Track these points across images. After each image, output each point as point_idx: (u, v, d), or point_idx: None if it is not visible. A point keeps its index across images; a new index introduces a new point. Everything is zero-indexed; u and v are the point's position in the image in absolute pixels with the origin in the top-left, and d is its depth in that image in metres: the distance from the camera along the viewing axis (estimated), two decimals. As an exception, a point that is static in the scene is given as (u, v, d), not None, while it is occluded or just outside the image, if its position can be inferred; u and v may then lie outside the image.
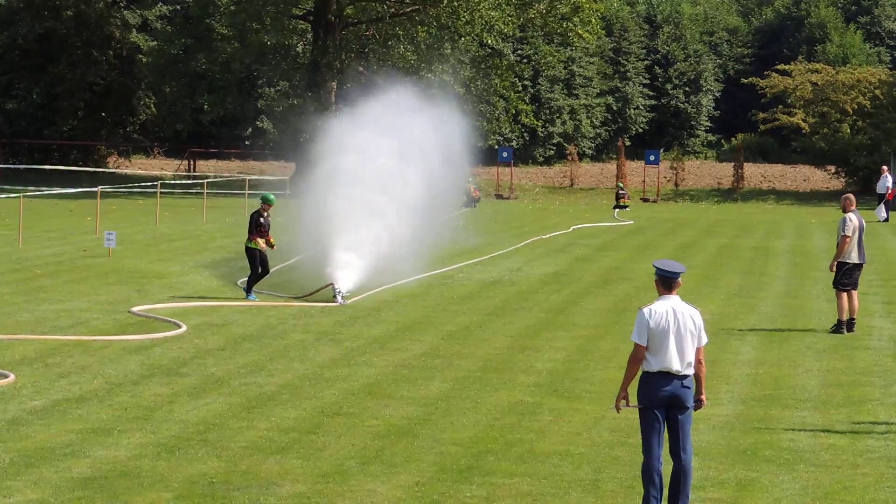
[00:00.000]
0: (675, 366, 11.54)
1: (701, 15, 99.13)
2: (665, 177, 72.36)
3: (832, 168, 72.69)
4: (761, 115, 72.20)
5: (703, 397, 11.90)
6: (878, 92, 69.75)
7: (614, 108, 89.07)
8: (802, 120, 70.58)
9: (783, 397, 17.40)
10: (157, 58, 70.19)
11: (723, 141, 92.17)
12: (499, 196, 67.65)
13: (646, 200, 67.27)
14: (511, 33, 69.13)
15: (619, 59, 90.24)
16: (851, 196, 23.71)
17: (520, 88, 75.14)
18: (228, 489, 12.62)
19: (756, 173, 78.36)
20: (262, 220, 26.37)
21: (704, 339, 11.76)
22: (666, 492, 11.71)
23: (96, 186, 46.53)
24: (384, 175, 28.08)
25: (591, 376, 18.67)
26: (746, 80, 76.73)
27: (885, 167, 58.40)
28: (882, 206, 53.17)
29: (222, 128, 78.46)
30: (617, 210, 58.99)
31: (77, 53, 71.82)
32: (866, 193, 62.26)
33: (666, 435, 11.69)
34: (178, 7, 77.30)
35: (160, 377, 18.00)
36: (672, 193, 70.28)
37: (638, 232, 46.07)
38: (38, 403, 16.12)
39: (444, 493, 12.63)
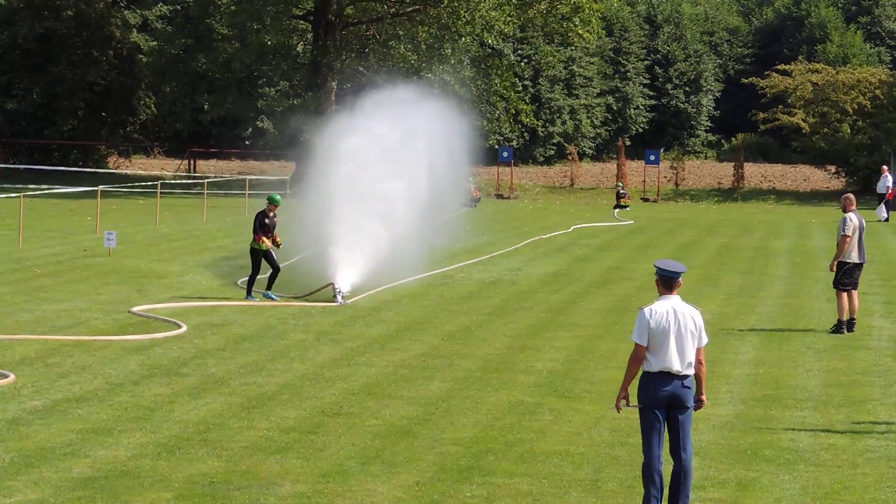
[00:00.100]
0: (676, 366, 11.53)
1: (701, 15, 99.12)
2: (665, 177, 72.36)
3: (832, 168, 72.70)
4: (761, 114, 72.20)
5: (704, 397, 11.90)
6: (878, 92, 69.75)
7: (614, 107, 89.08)
8: (802, 120, 70.58)
9: (783, 397, 17.40)
10: (157, 58, 70.19)
11: (723, 141, 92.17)
12: (499, 196, 67.65)
13: (646, 200, 67.27)
14: (511, 33, 69.12)
15: (620, 59, 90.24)
16: (851, 196, 23.71)
17: (520, 88, 75.16)
18: (228, 489, 12.62)
19: (756, 173, 78.37)
20: (267, 220, 26.36)
21: (705, 340, 11.76)
22: (666, 492, 11.71)
23: (96, 186, 46.52)
24: (384, 175, 28.06)
25: (592, 376, 18.67)
26: (747, 80, 76.74)
27: (885, 167, 58.41)
28: (882, 206, 53.18)
29: (222, 128, 78.45)
30: (617, 210, 58.99)
31: (77, 53, 71.81)
32: (866, 193, 62.26)
33: (666, 435, 11.69)
34: (178, 7, 77.29)
35: (160, 377, 18.00)
36: (672, 193, 70.28)
37: (638, 232, 46.07)
38: (39, 403, 16.12)
39: (444, 493, 12.63)
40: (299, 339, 21.54)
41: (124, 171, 73.80)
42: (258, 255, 26.40)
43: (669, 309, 11.60)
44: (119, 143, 77.54)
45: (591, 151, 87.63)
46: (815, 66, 74.12)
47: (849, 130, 69.46)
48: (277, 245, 26.53)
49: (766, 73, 75.16)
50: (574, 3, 62.84)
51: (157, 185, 50.68)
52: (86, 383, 17.40)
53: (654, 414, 11.55)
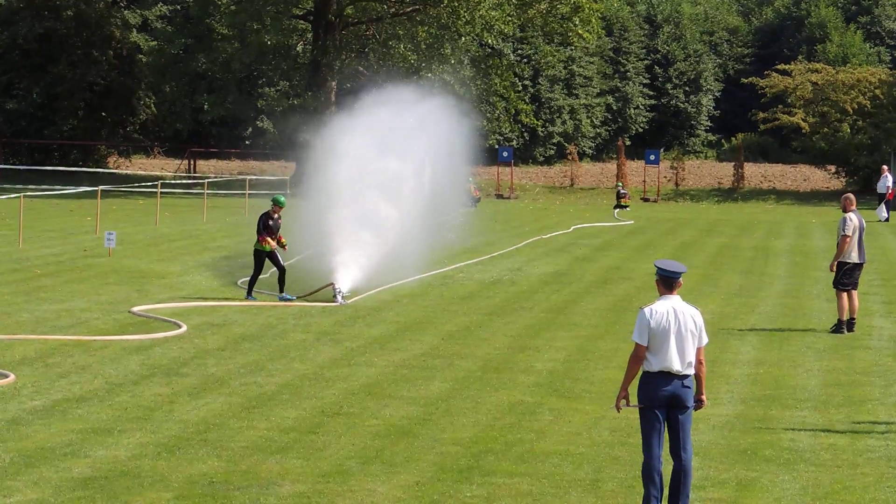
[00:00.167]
0: (676, 366, 11.53)
1: (701, 15, 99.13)
2: (665, 176, 72.36)
3: (832, 168, 72.71)
4: (761, 114, 72.21)
5: (704, 397, 11.90)
6: (878, 92, 69.76)
7: (614, 107, 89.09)
8: (802, 120, 70.59)
9: (783, 397, 17.40)
10: (157, 58, 70.19)
11: (723, 141, 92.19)
12: (499, 196, 67.65)
13: (646, 200, 67.27)
14: (511, 33, 69.12)
15: (620, 58, 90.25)
16: (851, 196, 23.71)
17: (520, 88, 75.16)
18: (228, 489, 12.62)
19: (756, 173, 78.38)
20: (270, 222, 26.25)
21: (705, 339, 11.76)
22: (666, 491, 11.71)
23: (96, 186, 46.52)
24: (385, 174, 28.06)
25: (592, 376, 18.67)
26: (746, 80, 76.75)
27: (885, 167, 58.40)
28: (883, 206, 53.18)
29: (222, 128, 78.46)
30: (617, 210, 58.98)
31: (77, 53, 71.80)
32: (866, 193, 62.26)
33: (666, 435, 11.69)
34: (178, 7, 77.28)
35: (160, 377, 18.00)
36: (672, 193, 70.28)
37: (638, 232, 46.07)
38: (39, 403, 16.12)
39: (444, 493, 12.63)
40: (299, 339, 21.54)
41: (124, 171, 73.78)
42: (261, 257, 26.33)
43: (670, 309, 11.60)
44: (119, 143, 77.54)
45: (591, 151, 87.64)
46: (815, 66, 74.13)
47: (849, 130, 69.47)
48: (283, 246, 26.49)
49: (766, 72, 75.18)
50: (574, 2, 62.84)
51: (157, 185, 50.67)
52: (86, 383, 17.41)
53: (655, 414, 11.55)
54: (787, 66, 73.94)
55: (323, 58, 63.48)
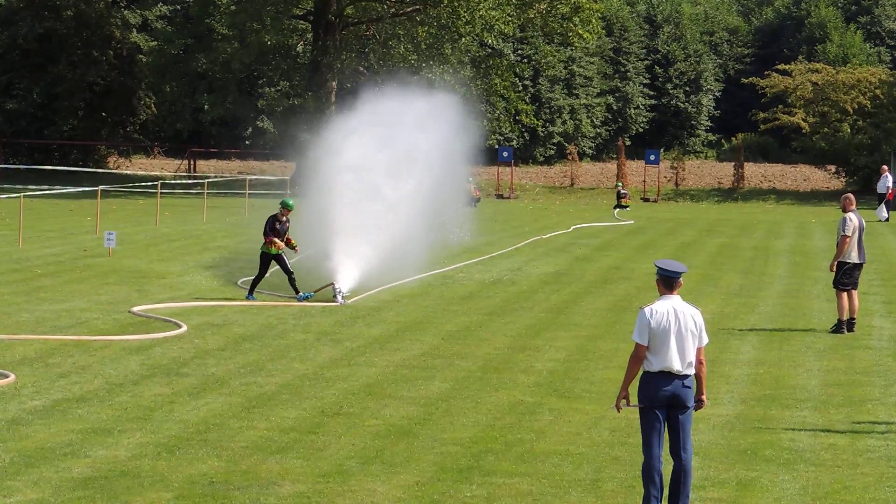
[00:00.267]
0: (676, 366, 11.53)
1: (701, 15, 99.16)
2: (665, 176, 72.36)
3: (832, 168, 72.70)
4: (761, 114, 72.20)
5: (704, 397, 11.89)
6: (878, 91, 69.75)
7: (614, 107, 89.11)
8: (803, 120, 70.58)
9: (783, 397, 17.40)
10: (157, 58, 70.19)
11: (723, 141, 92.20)
12: (499, 196, 67.65)
13: (646, 200, 67.27)
14: (511, 33, 69.11)
15: (620, 58, 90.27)
16: (851, 196, 23.70)
17: (520, 88, 75.16)
18: (228, 489, 12.62)
19: (756, 173, 78.38)
20: (278, 225, 26.12)
21: (705, 339, 11.76)
22: (666, 491, 11.71)
23: (96, 186, 46.52)
24: (385, 174, 28.06)
25: (592, 376, 18.67)
26: (747, 80, 76.74)
27: (885, 167, 58.38)
28: (883, 206, 53.16)
29: (222, 128, 78.47)
30: (617, 210, 58.98)
31: (77, 53, 71.83)
32: (866, 193, 62.25)
33: (666, 435, 11.69)
34: (178, 7, 77.30)
35: (160, 377, 18.00)
36: (672, 193, 70.28)
37: (638, 232, 46.07)
38: (39, 403, 16.12)
39: (445, 493, 12.63)
40: (299, 339, 21.54)
41: (124, 171, 73.79)
42: (267, 259, 26.17)
43: (670, 309, 11.60)
44: (119, 143, 77.56)
45: (591, 151, 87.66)
46: (815, 66, 74.11)
47: (849, 130, 69.45)
48: (293, 247, 26.36)
49: (766, 72, 75.17)
50: (574, 2, 62.84)
51: (157, 185, 50.67)
52: (86, 383, 17.41)
53: (655, 414, 11.55)
54: (787, 66, 73.93)
55: (323, 58, 63.48)
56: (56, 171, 64.28)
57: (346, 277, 26.56)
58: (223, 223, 45.03)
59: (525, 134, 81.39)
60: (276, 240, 25.99)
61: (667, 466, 11.68)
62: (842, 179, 71.79)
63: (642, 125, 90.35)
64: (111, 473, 13.04)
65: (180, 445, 14.20)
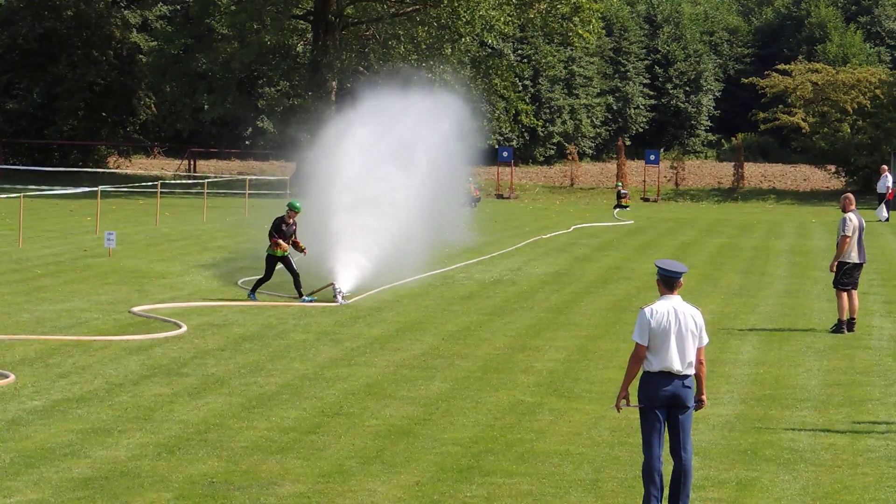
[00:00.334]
0: (676, 366, 11.53)
1: (701, 15, 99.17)
2: (665, 176, 72.36)
3: (832, 168, 72.70)
4: (761, 114, 72.20)
5: (704, 397, 11.89)
6: (878, 91, 69.75)
7: (614, 107, 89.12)
8: (802, 119, 70.58)
9: (783, 397, 17.40)
10: (157, 58, 70.17)
11: (723, 140, 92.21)
12: (499, 196, 67.65)
13: (646, 200, 67.27)
14: (511, 33, 69.09)
15: (620, 58, 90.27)
16: (851, 196, 23.69)
17: (520, 88, 75.13)
18: (229, 489, 12.62)
19: (756, 173, 78.38)
20: (284, 227, 25.98)
21: (705, 340, 11.76)
22: (666, 491, 11.71)
23: (96, 186, 46.52)
24: (385, 174, 28.07)
25: (592, 376, 18.67)
26: (747, 80, 76.74)
27: (885, 167, 58.38)
28: (883, 206, 53.16)
29: (222, 128, 78.45)
30: (617, 210, 58.98)
31: (77, 53, 71.83)
32: (866, 193, 62.27)
33: (666, 435, 11.69)
34: (178, 7, 77.27)
35: (160, 377, 18.00)
36: (672, 193, 70.28)
37: (638, 231, 46.07)
38: (39, 403, 16.12)
39: (445, 493, 12.63)
40: (299, 339, 21.53)
41: (124, 171, 73.83)
42: (273, 261, 26.04)
43: (670, 309, 11.60)
44: (119, 143, 77.56)
45: (591, 151, 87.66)
46: (815, 66, 74.11)
47: (849, 130, 69.45)
48: (301, 250, 26.22)
49: (766, 72, 75.17)
50: (574, 2, 62.82)
51: (157, 185, 50.68)
52: (86, 383, 17.40)
53: (655, 414, 11.55)
54: (787, 66, 73.93)
55: (323, 58, 63.47)
56: (56, 172, 64.29)
57: (346, 278, 26.55)
58: (223, 223, 45.04)
59: (525, 134, 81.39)
60: (280, 241, 25.91)
61: (667, 466, 11.68)
62: (842, 179, 71.79)
63: (642, 125, 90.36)
64: (111, 473, 13.04)
65: (180, 445, 14.20)
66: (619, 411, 12.09)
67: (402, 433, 14.98)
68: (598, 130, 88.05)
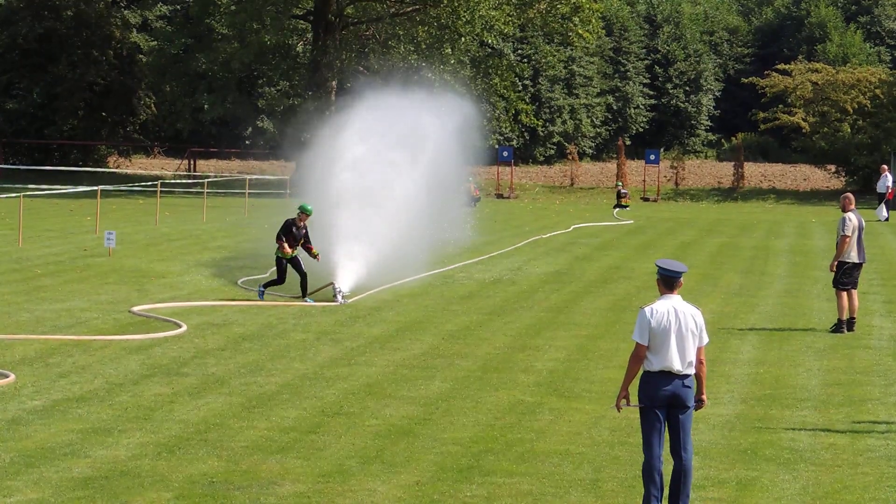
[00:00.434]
0: (676, 365, 11.53)
1: (701, 14, 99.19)
2: (665, 176, 72.36)
3: (832, 167, 72.70)
4: (761, 114, 72.20)
5: (704, 397, 11.89)
6: (878, 91, 69.75)
7: (614, 107, 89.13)
8: (802, 119, 70.58)
9: (783, 397, 17.40)
10: (157, 57, 70.17)
11: (723, 140, 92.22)
12: (499, 195, 67.65)
13: (646, 200, 67.27)
14: (511, 33, 69.09)
15: (620, 58, 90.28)
16: (851, 195, 23.69)
17: (520, 88, 75.14)
18: (229, 489, 12.62)
19: (756, 172, 78.39)
20: (294, 229, 25.88)
21: (705, 339, 11.76)
22: (666, 491, 11.71)
23: (96, 186, 46.52)
24: (385, 173, 28.06)
25: (592, 376, 18.67)
26: (747, 80, 76.74)
27: (884, 166, 58.36)
28: (883, 206, 53.14)
29: (222, 127, 78.46)
30: (617, 209, 58.97)
31: (77, 53, 71.83)
32: (866, 193, 62.26)
33: (666, 434, 11.69)
34: (178, 7, 77.27)
35: (160, 377, 18.00)
36: (672, 193, 70.28)
37: (638, 231, 46.07)
38: (39, 403, 16.12)
39: (445, 493, 12.63)
40: (299, 339, 21.53)
41: (124, 171, 73.83)
42: (282, 264, 26.01)
43: (670, 308, 11.60)
44: (119, 142, 77.56)
45: (591, 151, 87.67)
46: (814, 66, 74.11)
47: (849, 130, 69.45)
48: (315, 256, 26.14)
49: (765, 72, 75.17)
50: (574, 2, 62.82)
51: (157, 184, 50.68)
52: (86, 383, 17.40)
53: (655, 413, 11.55)
54: (787, 66, 73.93)
55: (323, 58, 63.48)
56: (56, 171, 64.29)
57: (346, 277, 26.55)
58: (223, 223, 45.04)
59: (525, 134, 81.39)
60: (284, 244, 25.84)
61: (667, 466, 11.68)
62: (842, 179, 71.79)
63: (642, 125, 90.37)
64: (111, 473, 13.04)
65: (180, 445, 14.20)
66: (619, 411, 12.09)
67: (402, 433, 14.98)
68: (598, 130, 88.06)
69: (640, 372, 11.65)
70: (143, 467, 13.28)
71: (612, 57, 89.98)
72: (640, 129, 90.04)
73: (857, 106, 69.46)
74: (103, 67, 72.42)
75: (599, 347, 21.09)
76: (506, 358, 20.05)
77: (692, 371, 11.65)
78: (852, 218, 22.98)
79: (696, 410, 11.80)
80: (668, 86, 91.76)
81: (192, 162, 76.06)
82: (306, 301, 25.72)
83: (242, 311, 24.52)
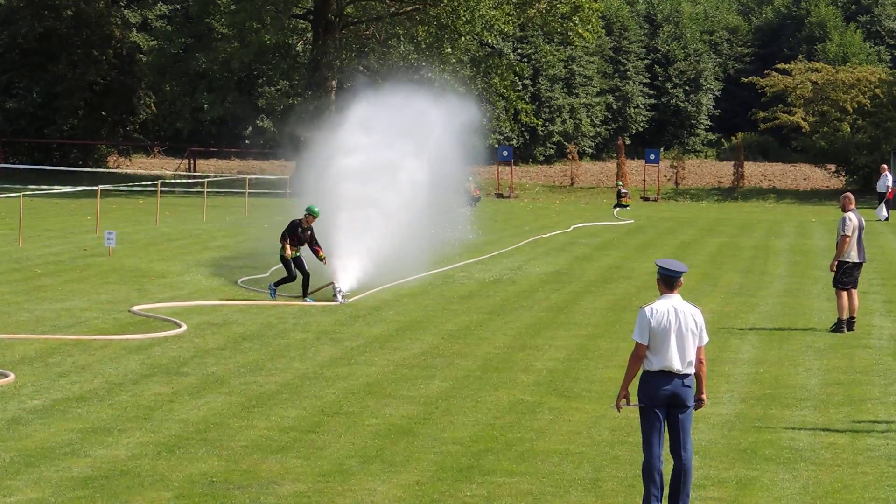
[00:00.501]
0: (676, 365, 11.53)
1: (701, 14, 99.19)
2: (665, 176, 72.36)
3: (832, 167, 72.70)
4: (761, 113, 72.20)
5: (704, 397, 11.90)
6: (878, 91, 69.74)
7: (614, 106, 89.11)
8: (802, 119, 70.58)
9: (783, 396, 17.40)
10: (157, 57, 70.17)
11: (723, 140, 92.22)
12: (499, 195, 67.65)
13: (646, 199, 67.27)
14: (511, 33, 69.09)
15: (620, 58, 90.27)
16: (851, 195, 23.68)
17: (520, 87, 75.13)
18: (229, 488, 12.62)
19: (756, 172, 78.38)
20: (299, 230, 25.86)
21: (705, 339, 11.76)
22: (666, 491, 11.71)
23: (96, 186, 46.52)
24: (385, 173, 28.06)
25: (592, 375, 18.67)
26: (746, 79, 76.74)
27: (884, 166, 58.35)
28: (883, 206, 53.14)
29: (222, 127, 78.47)
30: (617, 209, 58.97)
31: (77, 53, 71.82)
32: (866, 192, 62.26)
33: (666, 434, 11.69)
34: (178, 6, 77.24)
35: (160, 376, 18.00)
36: (672, 192, 70.28)
37: (638, 231, 46.07)
38: (38, 403, 16.12)
39: (445, 492, 12.63)
40: (299, 339, 21.53)
41: (124, 171, 73.83)
42: (288, 262, 26.00)
43: (670, 308, 11.60)
44: (119, 142, 77.55)
45: (591, 150, 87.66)
46: (814, 65, 74.11)
47: (849, 129, 69.44)
48: (321, 259, 26.13)
49: (765, 72, 75.17)
50: (574, 2, 62.82)
51: (157, 184, 50.68)
52: (86, 383, 17.41)
53: (655, 413, 11.55)
54: (787, 66, 73.93)
55: (323, 57, 63.47)
56: (56, 171, 64.29)
57: (346, 277, 26.55)
58: (223, 222, 45.04)
59: (525, 133, 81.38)
60: (286, 244, 25.84)
61: (667, 466, 11.68)
62: (842, 178, 71.78)
63: (642, 124, 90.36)
64: (111, 473, 13.05)
65: (180, 445, 14.20)
66: (619, 410, 12.09)
67: (402, 432, 14.98)
68: (598, 130, 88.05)
69: (640, 371, 11.66)
70: (142, 467, 13.29)
71: (612, 56, 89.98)
72: (640, 129, 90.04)
73: (856, 105, 69.46)
74: (103, 67, 72.43)
75: (599, 347, 21.09)
76: (506, 357, 20.05)
77: (692, 370, 11.65)
78: (852, 217, 22.98)
79: (695, 410, 11.81)
80: (668, 85, 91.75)
81: (192, 161, 76.06)
82: (306, 301, 25.73)
83: (242, 311, 24.52)
